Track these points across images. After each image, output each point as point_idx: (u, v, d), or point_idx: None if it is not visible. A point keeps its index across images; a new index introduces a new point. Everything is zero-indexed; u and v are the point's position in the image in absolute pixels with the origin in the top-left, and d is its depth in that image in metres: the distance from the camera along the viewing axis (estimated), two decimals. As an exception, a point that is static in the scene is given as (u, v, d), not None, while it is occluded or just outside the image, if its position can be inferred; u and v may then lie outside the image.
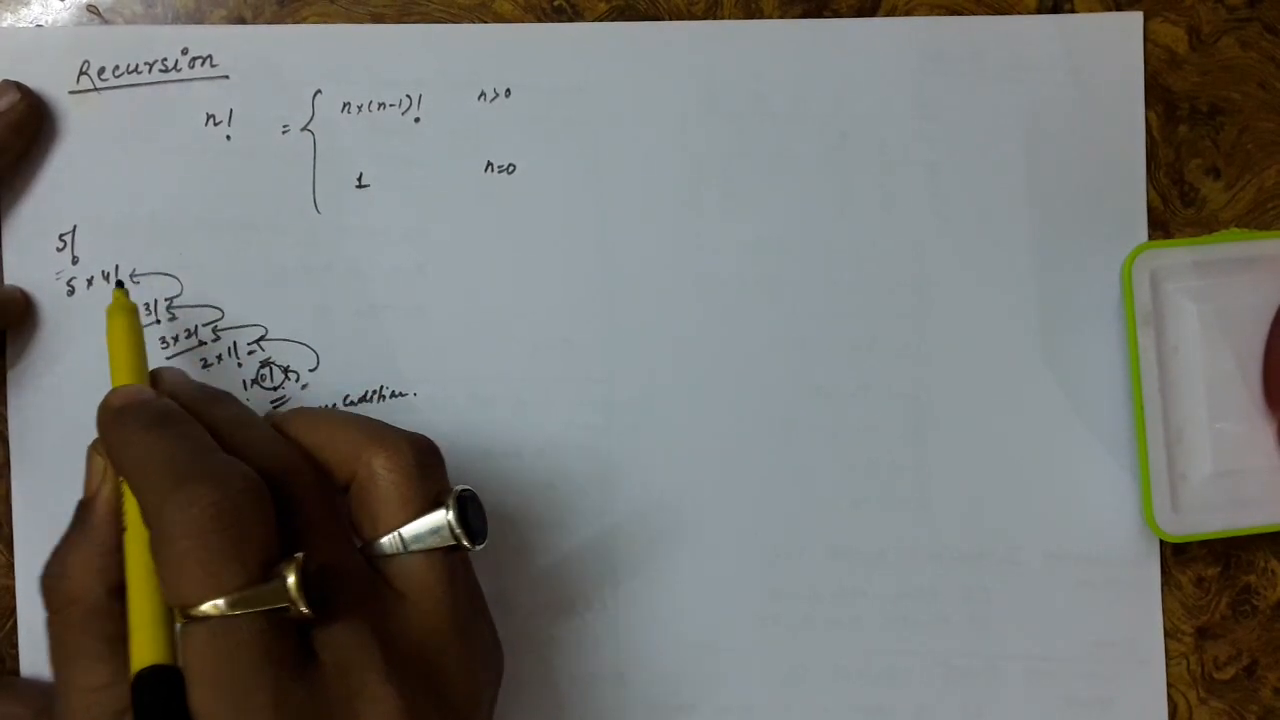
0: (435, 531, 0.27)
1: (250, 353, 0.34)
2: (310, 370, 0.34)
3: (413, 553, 0.27)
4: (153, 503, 0.25)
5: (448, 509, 0.27)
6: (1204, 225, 0.36)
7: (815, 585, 0.35)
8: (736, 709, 0.35)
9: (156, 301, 0.34)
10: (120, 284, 0.33)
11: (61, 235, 0.34)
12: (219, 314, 0.34)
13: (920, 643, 0.35)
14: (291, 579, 0.24)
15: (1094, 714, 0.35)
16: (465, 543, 0.27)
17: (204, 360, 0.34)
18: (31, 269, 0.34)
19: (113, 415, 0.28)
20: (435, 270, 0.35)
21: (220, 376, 0.34)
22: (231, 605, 0.24)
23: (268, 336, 0.34)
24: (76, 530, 0.27)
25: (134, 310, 0.30)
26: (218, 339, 0.34)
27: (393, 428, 0.29)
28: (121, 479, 0.27)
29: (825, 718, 0.35)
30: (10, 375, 0.34)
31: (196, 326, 0.34)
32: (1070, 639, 0.35)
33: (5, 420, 0.34)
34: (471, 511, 0.28)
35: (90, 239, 0.34)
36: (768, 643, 0.35)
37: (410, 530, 0.27)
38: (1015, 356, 0.35)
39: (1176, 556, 0.36)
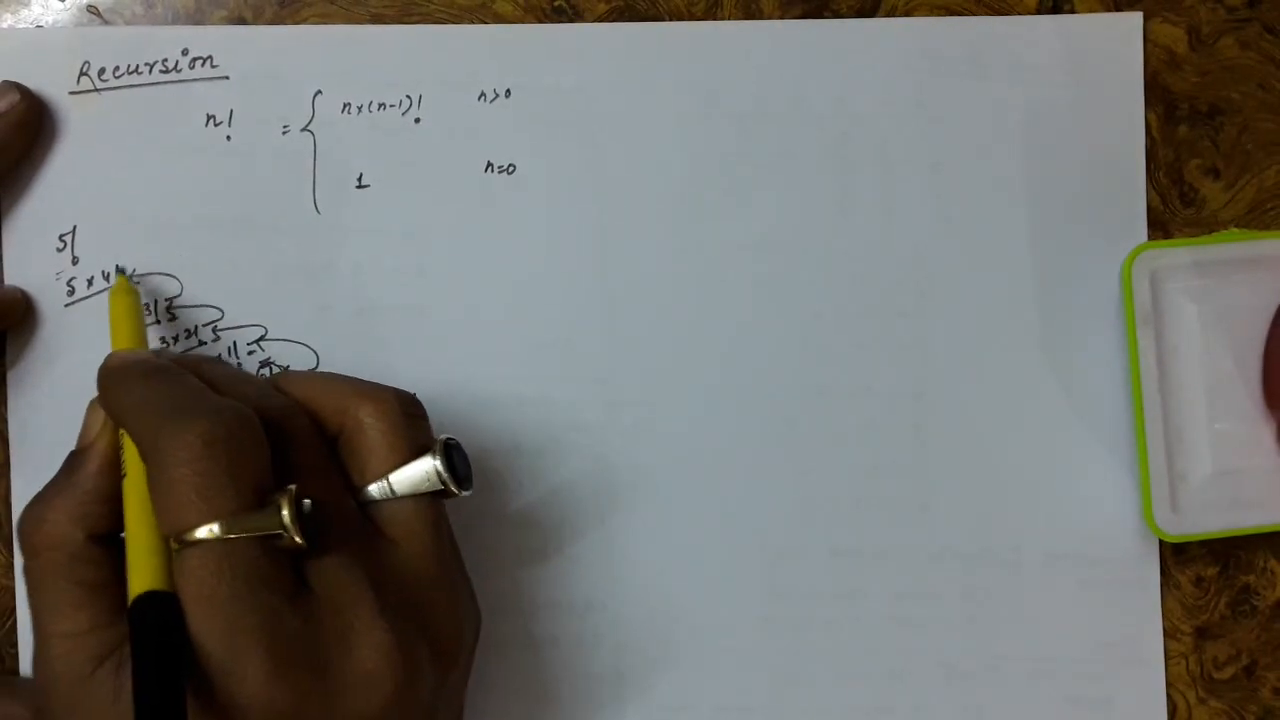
0: (423, 478, 0.28)
1: (250, 353, 0.34)
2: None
3: (400, 498, 0.28)
4: (149, 437, 0.26)
5: (434, 455, 0.28)
6: (1204, 225, 0.36)
7: (816, 585, 0.35)
8: (736, 709, 0.35)
9: (156, 301, 0.34)
10: (122, 269, 0.34)
11: (61, 235, 0.34)
12: (219, 314, 0.34)
13: (920, 643, 0.35)
14: (285, 507, 0.25)
15: (1094, 714, 0.35)
16: (452, 488, 0.28)
17: (204, 360, 0.34)
18: (31, 269, 0.34)
19: (112, 369, 0.29)
20: (435, 270, 0.35)
21: (220, 377, 0.34)
22: (225, 530, 0.25)
23: (268, 336, 0.34)
24: (63, 478, 0.28)
25: (135, 292, 0.32)
26: (218, 339, 0.34)
27: (378, 384, 0.30)
28: (120, 431, 0.27)
29: (825, 718, 0.35)
30: (10, 375, 0.34)
31: (196, 326, 0.34)
32: (1070, 639, 0.35)
33: (5, 420, 0.34)
34: (457, 459, 0.29)
35: (90, 239, 0.34)
36: (768, 643, 0.35)
37: (398, 476, 0.28)
38: (1015, 356, 0.35)
39: (1176, 556, 0.36)
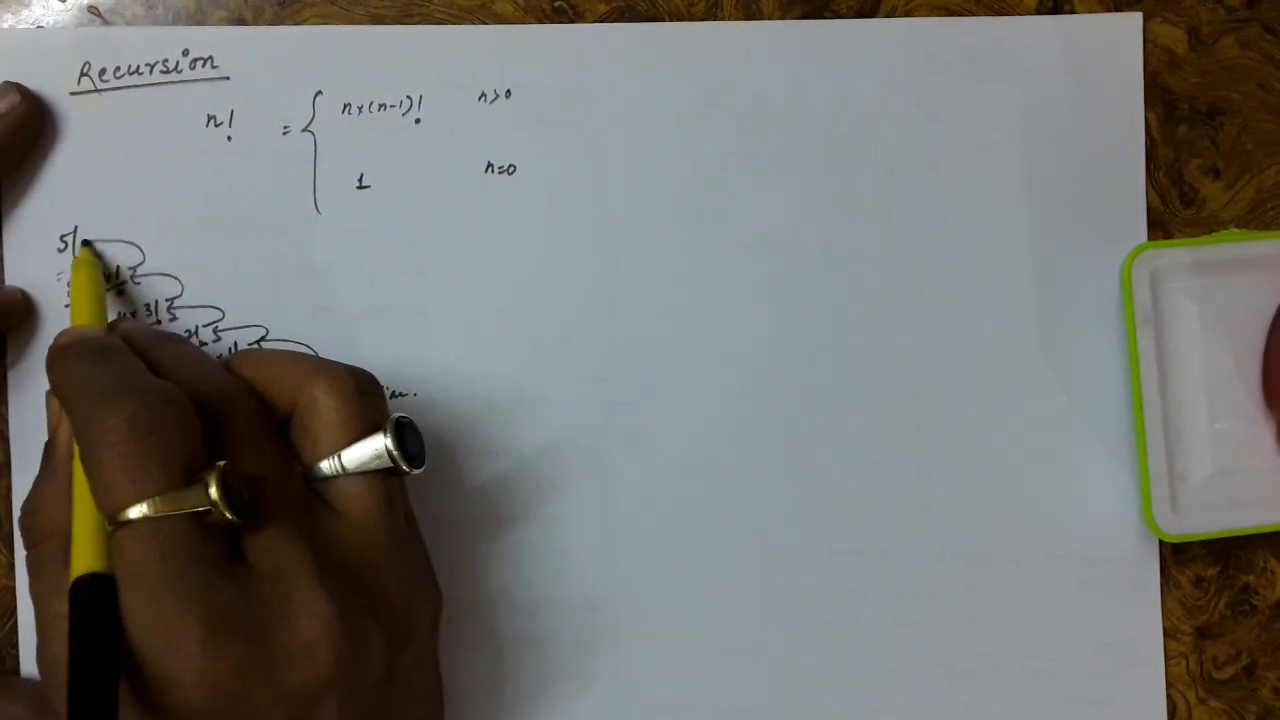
0: (374, 456, 0.28)
1: (251, 353, 0.34)
2: (311, 370, 0.34)
3: (351, 475, 0.28)
4: (80, 420, 0.26)
5: (385, 433, 0.28)
6: (1204, 225, 0.36)
7: (815, 585, 0.35)
8: (736, 709, 0.35)
9: (157, 302, 0.34)
10: (87, 243, 0.34)
11: (62, 236, 0.34)
12: (219, 314, 0.34)
13: (920, 643, 0.35)
14: (213, 483, 0.25)
15: (1094, 714, 0.35)
16: (403, 466, 0.28)
17: (204, 360, 0.34)
18: (32, 270, 0.34)
19: (57, 350, 0.29)
20: (435, 270, 0.35)
21: (221, 377, 0.34)
22: (155, 508, 0.25)
23: (268, 337, 0.34)
24: (44, 469, 0.29)
25: (96, 265, 0.33)
26: (218, 339, 0.34)
27: (334, 361, 0.30)
28: None
29: (825, 718, 0.35)
30: (10, 375, 0.34)
31: (197, 327, 0.34)
32: (1070, 639, 0.35)
33: (5, 420, 0.34)
34: (409, 438, 0.29)
35: (91, 239, 0.34)
36: (768, 643, 0.35)
37: (349, 454, 0.28)
38: (1015, 356, 0.35)
39: (1176, 556, 0.36)
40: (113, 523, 0.25)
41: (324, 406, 0.28)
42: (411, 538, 0.30)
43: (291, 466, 0.29)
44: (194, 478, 0.26)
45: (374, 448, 0.28)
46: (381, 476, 0.29)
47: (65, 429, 0.28)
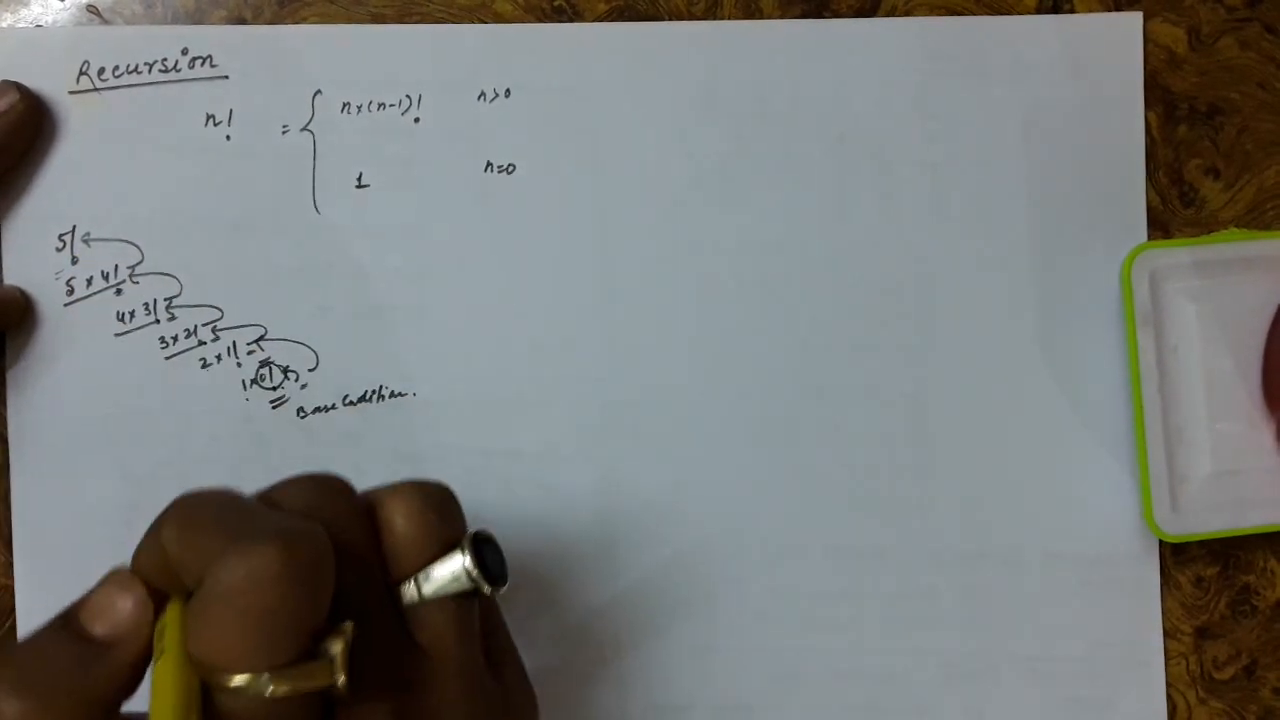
0: (450, 579, 0.26)
1: (250, 352, 0.34)
2: (310, 370, 0.34)
3: (429, 602, 0.26)
4: (209, 556, 0.22)
5: (463, 552, 0.26)
6: (1203, 225, 0.36)
7: (815, 585, 0.35)
8: (735, 709, 0.35)
9: (156, 301, 0.34)
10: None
11: (61, 235, 0.34)
12: (219, 314, 0.34)
13: (920, 643, 0.35)
14: (340, 657, 0.23)
15: (1094, 714, 0.35)
16: (484, 587, 0.26)
17: (203, 360, 0.34)
18: (31, 269, 0.34)
19: (178, 504, 0.24)
20: (435, 270, 0.35)
21: (220, 376, 0.34)
22: (275, 684, 0.22)
23: (267, 336, 0.34)
24: (74, 669, 0.23)
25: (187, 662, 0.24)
26: (217, 339, 0.34)
27: (409, 480, 0.27)
28: (157, 618, 0.24)
29: (825, 717, 0.35)
30: (10, 375, 0.34)
31: (196, 326, 0.34)
32: (1070, 639, 0.35)
33: (5, 420, 0.34)
34: (488, 553, 0.27)
35: (90, 239, 0.34)
36: (768, 643, 0.35)
37: (426, 579, 0.26)
38: (1015, 357, 0.35)
39: (1176, 556, 0.36)
40: (214, 685, 0.22)
41: (399, 527, 0.26)
42: (491, 666, 0.28)
43: (389, 601, 0.26)
44: (319, 641, 0.23)
45: (452, 570, 0.26)
46: (458, 602, 0.26)
47: (143, 634, 0.23)
